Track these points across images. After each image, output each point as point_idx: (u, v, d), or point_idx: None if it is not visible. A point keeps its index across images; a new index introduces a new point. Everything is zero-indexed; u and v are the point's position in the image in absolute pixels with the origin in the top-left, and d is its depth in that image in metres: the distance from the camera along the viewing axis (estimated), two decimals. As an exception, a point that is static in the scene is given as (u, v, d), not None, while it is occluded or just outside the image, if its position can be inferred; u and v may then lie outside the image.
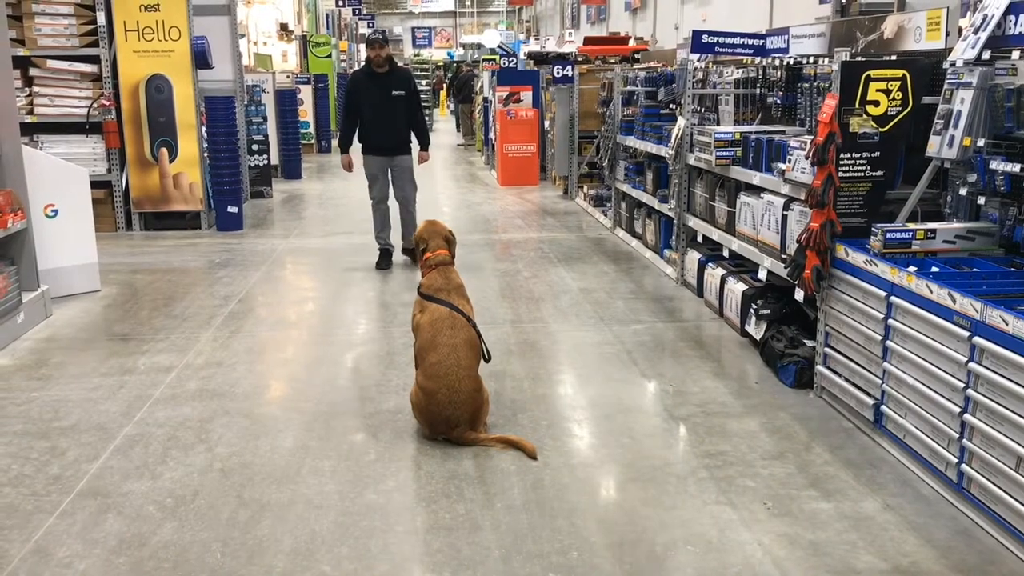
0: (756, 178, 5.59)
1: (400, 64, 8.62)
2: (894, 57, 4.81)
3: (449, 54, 44.02)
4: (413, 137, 7.96)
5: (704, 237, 6.82)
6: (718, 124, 6.97)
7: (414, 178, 7.97)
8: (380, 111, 7.43)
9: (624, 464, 4.05)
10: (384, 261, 7.90)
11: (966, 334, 3.47)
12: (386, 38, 7.46)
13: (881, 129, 4.43)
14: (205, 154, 9.88)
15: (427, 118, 26.31)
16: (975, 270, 3.97)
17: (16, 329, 5.83)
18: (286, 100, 14.61)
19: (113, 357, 5.51)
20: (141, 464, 4.03)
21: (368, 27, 34.54)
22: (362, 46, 33.86)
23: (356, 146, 7.90)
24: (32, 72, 9.17)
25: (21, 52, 8.94)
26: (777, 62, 6.27)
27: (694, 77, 7.16)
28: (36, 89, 9.22)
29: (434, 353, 4.22)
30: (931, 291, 3.69)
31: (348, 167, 7.91)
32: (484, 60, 18.79)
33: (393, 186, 7.86)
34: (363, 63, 7.81)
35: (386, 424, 4.47)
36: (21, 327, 5.90)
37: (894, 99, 4.40)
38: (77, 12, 9.16)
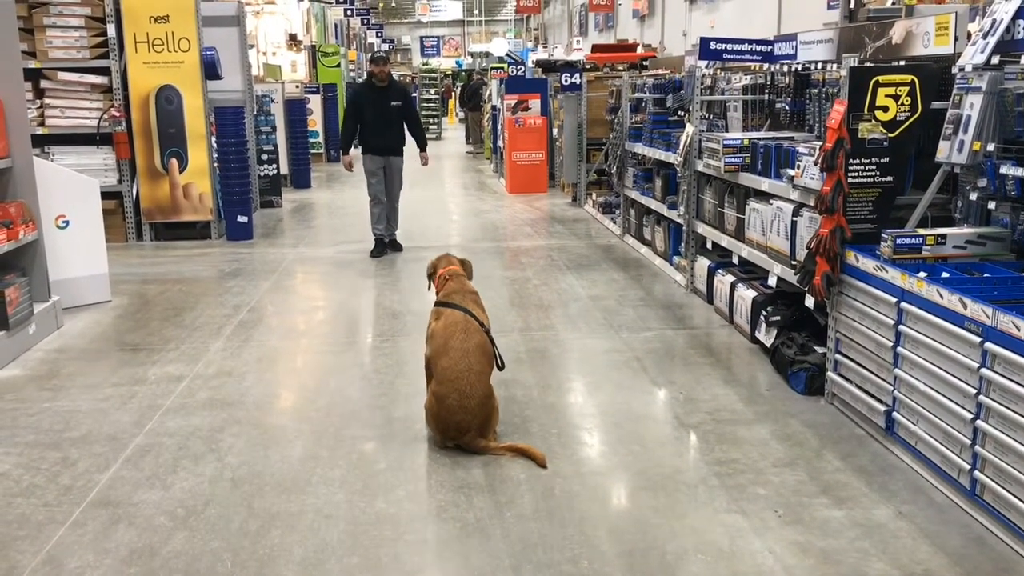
0: (765, 184, 5.57)
1: (408, 73, 9.21)
2: (903, 62, 4.80)
3: (457, 63, 44.15)
4: (409, 140, 8.98)
5: (713, 244, 6.81)
6: (727, 130, 6.96)
7: (403, 177, 9.11)
8: (380, 118, 8.47)
9: (634, 472, 4.04)
10: (378, 249, 8.88)
11: (978, 340, 3.45)
12: (388, 57, 8.59)
13: (890, 134, 4.41)
14: (215, 164, 9.92)
15: (436, 126, 26.41)
16: (986, 275, 3.96)
17: (27, 340, 5.86)
18: (295, 110, 14.67)
19: (124, 367, 5.53)
20: (152, 474, 4.04)
21: (377, 36, 34.71)
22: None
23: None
24: (43, 84, 9.24)
25: (32, 64, 9.01)
26: (785, 68, 6.26)
27: (702, 84, 7.15)
28: (47, 101, 9.29)
29: (446, 358, 4.22)
30: (942, 297, 3.67)
31: (349, 167, 9.00)
32: (492, 68, 18.82)
33: (386, 181, 8.86)
34: (366, 76, 8.78)
35: (396, 433, 4.47)
36: (32, 338, 5.93)
37: (903, 104, 4.38)
38: (88, 24, 9.23)
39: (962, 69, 4.09)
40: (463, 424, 4.13)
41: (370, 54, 8.85)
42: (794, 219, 5.18)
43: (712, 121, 7.28)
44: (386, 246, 9.00)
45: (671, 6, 24.47)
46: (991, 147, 3.94)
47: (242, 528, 3.55)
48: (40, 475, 4.05)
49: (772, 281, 5.56)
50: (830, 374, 4.72)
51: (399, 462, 4.14)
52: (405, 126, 8.88)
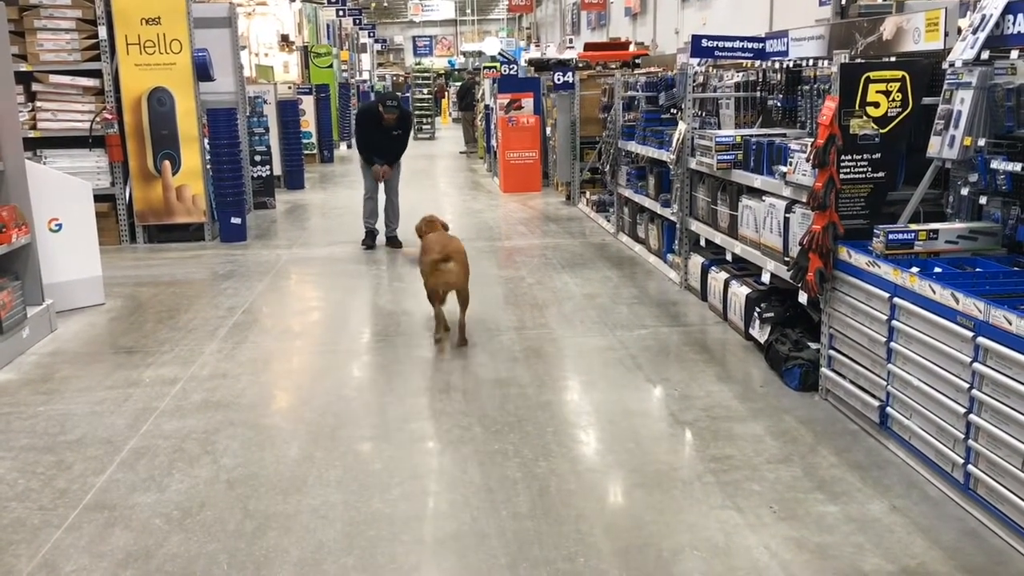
0: (757, 181, 5.59)
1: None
2: (893, 58, 4.81)
3: (450, 62, 44.12)
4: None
5: (707, 241, 6.82)
6: (719, 128, 6.97)
7: (399, 172, 9.71)
8: (384, 141, 9.32)
9: (630, 469, 4.05)
10: (369, 240, 9.39)
11: (970, 334, 3.46)
12: (399, 104, 9.32)
13: (881, 130, 4.43)
14: (208, 166, 9.90)
15: (429, 126, 26.39)
16: (978, 270, 3.97)
17: (21, 344, 5.85)
18: (288, 111, 14.64)
19: (118, 370, 5.52)
20: (147, 477, 4.04)
21: (369, 36, 34.67)
22: (363, 56, 33.96)
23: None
24: (35, 87, 9.21)
25: (24, 67, 8.98)
26: (777, 65, 6.27)
27: (694, 81, 7.16)
28: (39, 104, 9.26)
29: (431, 239, 6.09)
30: (934, 292, 3.68)
31: (382, 176, 9.34)
32: (485, 68, 18.82)
33: (385, 184, 9.48)
34: (375, 97, 9.88)
35: (391, 433, 4.48)
36: (26, 342, 5.91)
37: (894, 100, 4.40)
38: (79, 27, 9.20)
39: (952, 64, 4.11)
40: (444, 254, 5.69)
41: (383, 99, 9.41)
42: (787, 215, 5.19)
43: (704, 119, 7.29)
44: (376, 238, 9.45)
45: (663, 4, 24.49)
46: (982, 142, 3.95)
47: (238, 530, 3.55)
48: (35, 479, 4.04)
49: (765, 278, 5.57)
50: (824, 370, 4.73)
51: (395, 462, 4.14)
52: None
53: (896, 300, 3.97)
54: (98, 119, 9.34)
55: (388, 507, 3.71)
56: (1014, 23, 3.86)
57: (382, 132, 9.17)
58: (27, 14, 9.06)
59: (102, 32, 9.25)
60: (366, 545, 3.42)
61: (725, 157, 6.00)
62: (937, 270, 3.96)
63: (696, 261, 6.97)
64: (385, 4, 47.46)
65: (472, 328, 6.05)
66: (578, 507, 3.68)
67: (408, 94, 28.44)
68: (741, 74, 6.82)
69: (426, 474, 4.03)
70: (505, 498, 3.76)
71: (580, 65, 14.19)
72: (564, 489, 3.84)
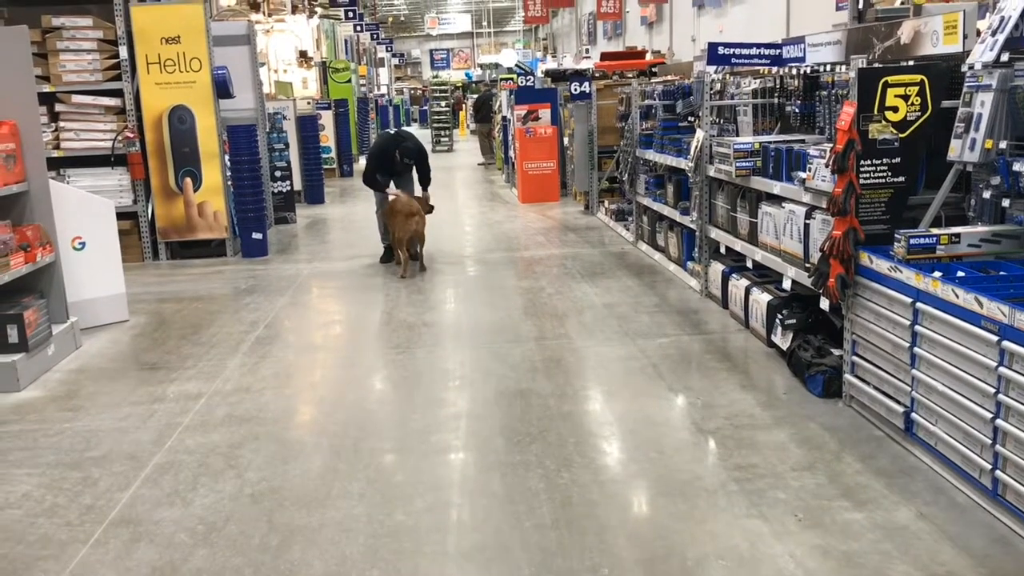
0: (777, 188, 5.57)
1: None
2: (911, 62, 4.79)
3: (467, 74, 44.30)
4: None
5: (727, 248, 6.80)
6: (737, 135, 6.95)
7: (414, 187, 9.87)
8: (398, 172, 9.45)
9: (653, 479, 4.03)
10: (387, 256, 9.39)
11: (995, 338, 3.43)
12: (413, 156, 9.27)
13: (901, 135, 4.40)
14: (229, 182, 9.98)
15: (447, 138, 26.49)
16: (1002, 273, 3.94)
17: (47, 361, 5.91)
18: (307, 126, 14.73)
19: (143, 386, 5.56)
20: (172, 491, 4.06)
21: (387, 51, 34.90)
22: (381, 70, 34.19)
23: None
24: (58, 108, 9.32)
25: (47, 88, 9.10)
26: (794, 71, 6.26)
27: (711, 89, 7.15)
28: (62, 124, 9.37)
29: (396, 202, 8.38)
30: (957, 296, 3.65)
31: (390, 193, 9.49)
32: (502, 79, 18.87)
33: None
34: (393, 132, 9.83)
35: (413, 445, 4.49)
36: (52, 359, 5.97)
37: (913, 104, 4.37)
38: (100, 47, 9.32)
39: (971, 67, 4.08)
40: (407, 212, 8.11)
41: (401, 149, 9.24)
42: (807, 222, 5.17)
43: (722, 126, 7.27)
44: (393, 254, 9.42)
45: (679, 12, 24.50)
46: (1003, 144, 3.92)
47: (263, 543, 3.57)
48: (62, 495, 4.08)
49: (787, 284, 5.55)
50: (847, 376, 4.70)
51: (417, 474, 4.15)
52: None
53: (919, 305, 3.94)
54: (120, 138, 9.44)
55: (411, 519, 3.72)
56: (1033, 24, 3.83)
57: (397, 165, 9.25)
58: (49, 36, 9.19)
59: (123, 52, 9.36)
60: (390, 557, 3.43)
61: (744, 164, 5.98)
62: (960, 274, 3.93)
63: (716, 269, 6.94)
64: (402, 18, 47.80)
65: (493, 338, 6.10)
66: (601, 517, 3.67)
67: (426, 107, 28.54)
68: (758, 81, 6.80)
69: (448, 486, 4.03)
70: (528, 509, 3.75)
71: (597, 75, 14.21)
72: (587, 499, 3.83)
